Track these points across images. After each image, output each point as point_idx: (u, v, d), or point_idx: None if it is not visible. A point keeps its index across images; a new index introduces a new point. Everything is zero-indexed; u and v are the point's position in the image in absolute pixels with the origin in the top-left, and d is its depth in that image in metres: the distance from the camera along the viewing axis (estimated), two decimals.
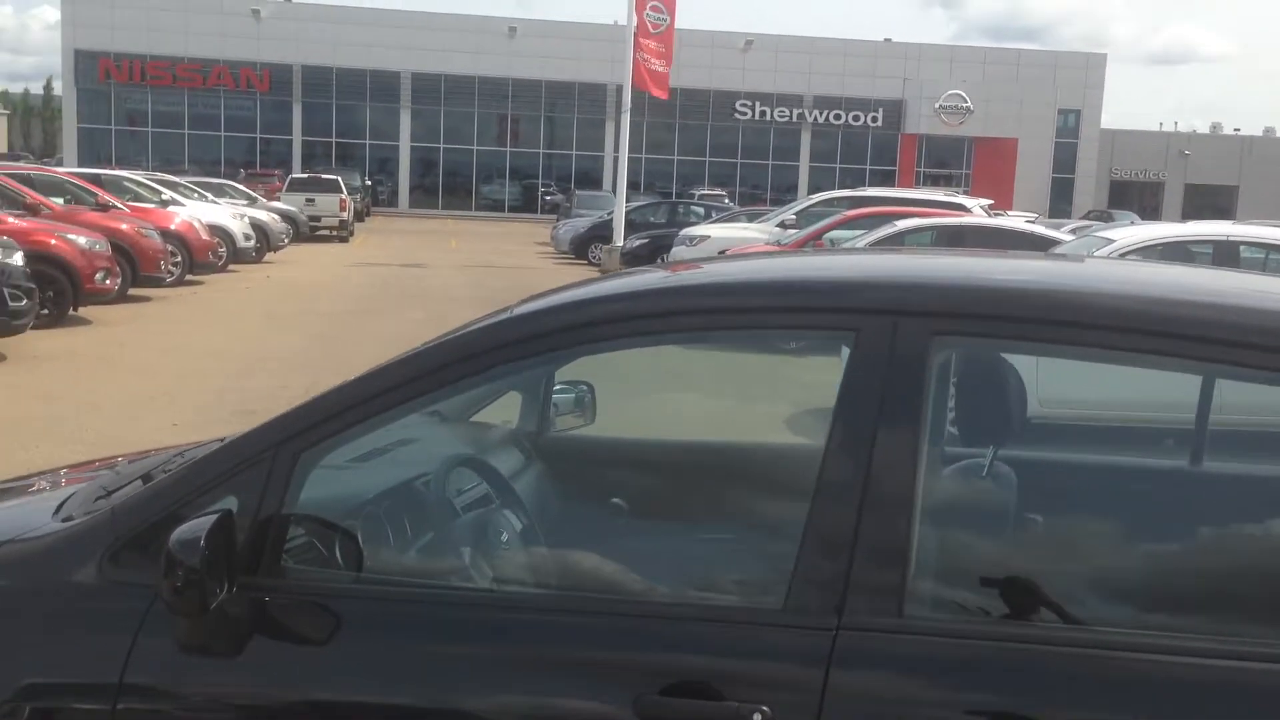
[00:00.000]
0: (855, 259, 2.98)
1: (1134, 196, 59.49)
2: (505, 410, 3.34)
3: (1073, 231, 16.01)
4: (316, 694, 2.13)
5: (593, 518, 2.87)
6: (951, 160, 55.58)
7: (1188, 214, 52.57)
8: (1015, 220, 19.14)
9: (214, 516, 2.06)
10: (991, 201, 21.39)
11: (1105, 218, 37.68)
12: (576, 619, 2.10)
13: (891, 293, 2.17)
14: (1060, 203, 53.81)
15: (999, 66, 56.24)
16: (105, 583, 2.21)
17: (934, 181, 51.24)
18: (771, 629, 1.97)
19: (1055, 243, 11.30)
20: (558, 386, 3.42)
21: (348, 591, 2.23)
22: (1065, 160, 56.29)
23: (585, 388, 3.47)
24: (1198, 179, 61.61)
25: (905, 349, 2.01)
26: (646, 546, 2.55)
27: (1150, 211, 53.41)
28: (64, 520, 2.40)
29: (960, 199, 20.90)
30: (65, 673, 2.19)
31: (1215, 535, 2.29)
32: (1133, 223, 20.18)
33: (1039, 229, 14.65)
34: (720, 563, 2.35)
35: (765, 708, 1.87)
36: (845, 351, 2.09)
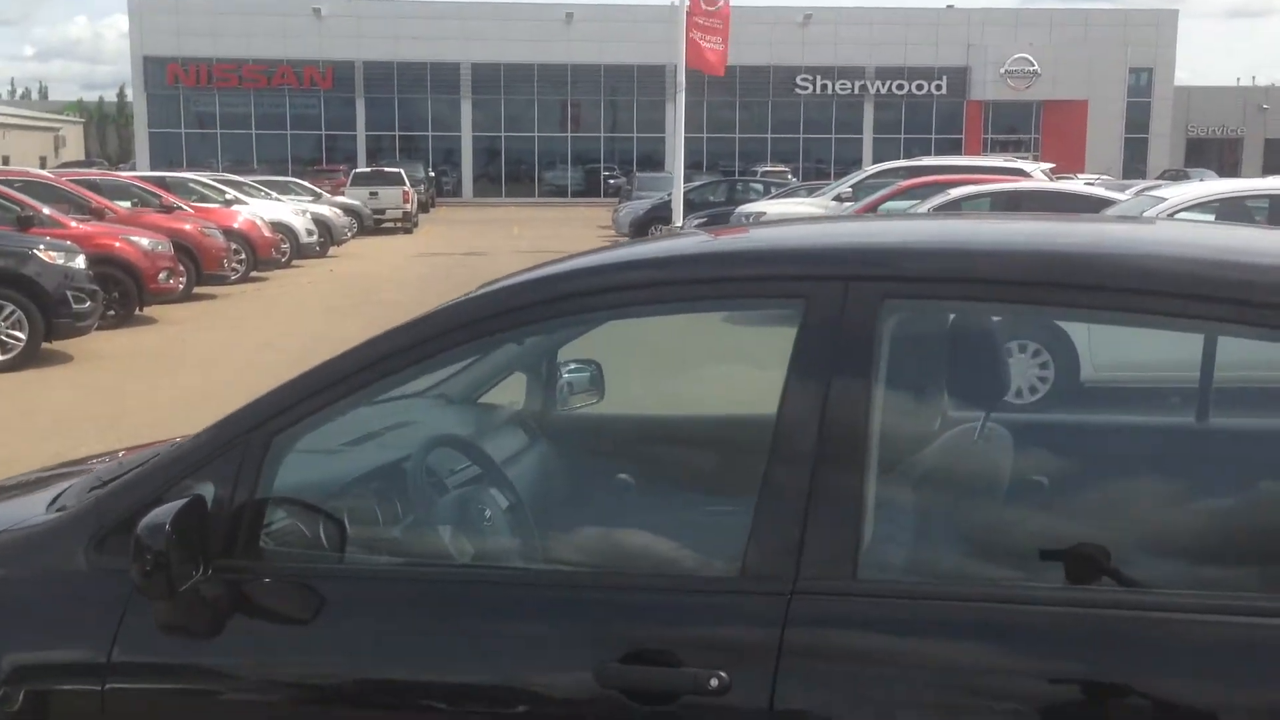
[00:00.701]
0: (809, 227, 2.97)
1: (1212, 154, 57.94)
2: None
3: (1137, 193, 15.64)
4: (296, 670, 2.18)
5: (576, 494, 2.90)
6: (1019, 125, 54.55)
7: (1269, 169, 51.00)
8: (1075, 184, 18.74)
9: (183, 501, 2.12)
10: (1053, 165, 20.97)
11: (1180, 176, 36.76)
12: (541, 592, 2.13)
13: (839, 258, 2.15)
14: (1135, 163, 52.56)
15: (1066, 28, 54.99)
16: (92, 569, 2.28)
17: (1001, 148, 50.35)
18: (727, 595, 1.98)
19: (1111, 203, 11.04)
20: (570, 365, 3.45)
21: (327, 572, 2.27)
22: (1139, 120, 54.93)
23: (595, 365, 3.50)
24: (1278, 133, 59.76)
25: (855, 313, 1.99)
26: (619, 520, 2.57)
27: (1229, 168, 51.98)
28: (58, 511, 2.48)
29: (1020, 164, 20.52)
30: (56, 655, 2.28)
31: (1188, 487, 2.24)
32: (1202, 180, 19.66)
33: (1098, 191, 14.34)
34: (681, 532, 2.36)
35: (722, 673, 1.88)
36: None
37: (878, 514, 1.97)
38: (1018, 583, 1.97)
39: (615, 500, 2.85)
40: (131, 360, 11.02)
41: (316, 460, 2.52)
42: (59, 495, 2.60)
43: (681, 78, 26.18)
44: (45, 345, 10.59)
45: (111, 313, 12.30)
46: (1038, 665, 1.81)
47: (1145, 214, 8.54)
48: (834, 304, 2.01)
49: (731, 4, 25.92)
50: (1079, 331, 6.80)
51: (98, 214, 14.49)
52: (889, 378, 2.05)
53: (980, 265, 2.07)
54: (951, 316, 2.42)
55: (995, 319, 2.59)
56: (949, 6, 55.91)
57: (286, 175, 34.25)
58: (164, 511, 2.08)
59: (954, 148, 51.29)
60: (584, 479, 3.03)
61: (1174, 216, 8.36)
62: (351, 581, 2.27)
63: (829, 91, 53.83)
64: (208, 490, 2.23)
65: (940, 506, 2.23)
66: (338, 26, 50.95)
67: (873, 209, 15.98)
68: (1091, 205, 12.19)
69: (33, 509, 2.54)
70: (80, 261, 10.92)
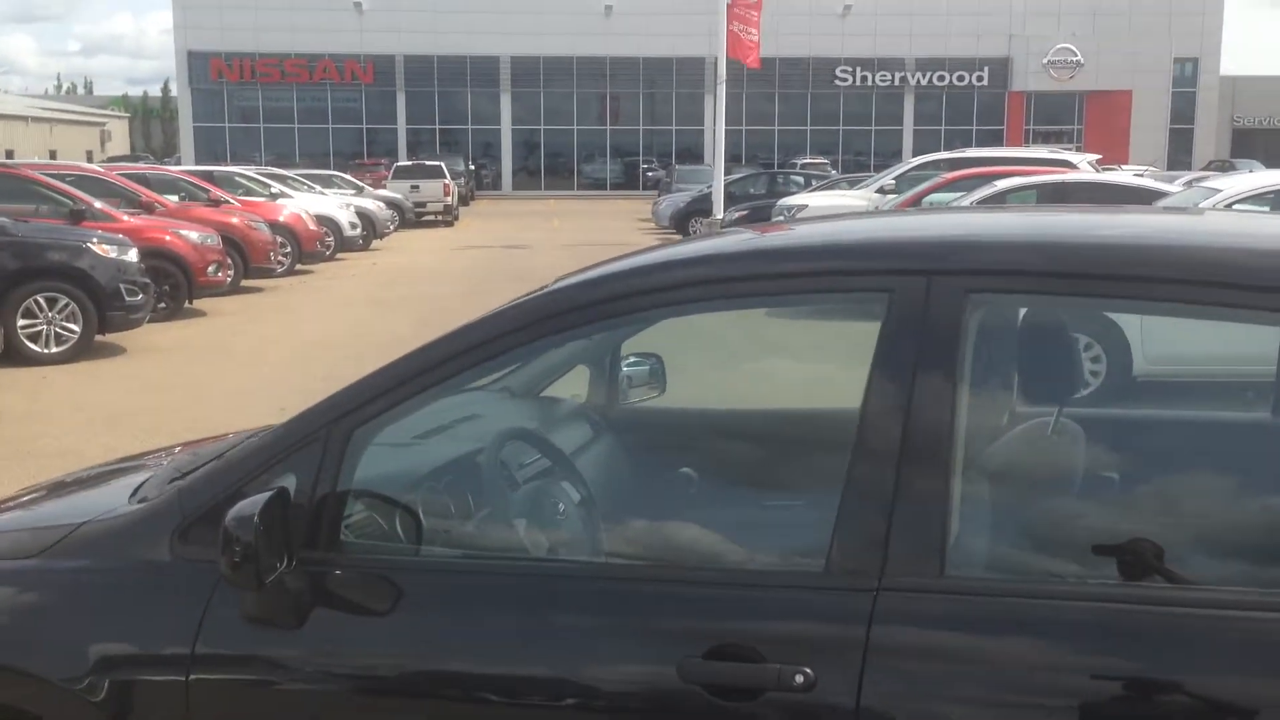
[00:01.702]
0: (890, 220, 2.95)
1: (1259, 144, 56.97)
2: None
3: (1186, 184, 15.44)
4: (377, 663, 2.20)
5: (647, 488, 2.90)
6: (1062, 116, 53.94)
7: None
8: (1123, 175, 18.53)
9: (269, 494, 2.14)
10: (1099, 156, 20.75)
11: (1226, 167, 36.22)
12: (622, 585, 2.13)
13: (924, 251, 2.14)
14: (1180, 154, 51.84)
15: (1110, 18, 54.27)
16: (176, 560, 2.31)
17: (1044, 139, 49.87)
18: (813, 591, 1.97)
19: (1163, 195, 10.92)
20: (630, 359, 3.45)
21: (406, 564, 2.29)
22: (1184, 110, 54.17)
23: (656, 359, 3.50)
24: None
25: (940, 307, 1.98)
26: (695, 514, 2.56)
27: (1276, 159, 51.02)
28: (140, 502, 2.51)
29: (1066, 155, 20.32)
30: (141, 645, 2.31)
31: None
32: (1251, 171, 19.37)
33: (1147, 182, 14.17)
34: (758, 527, 2.36)
35: (808, 669, 1.88)
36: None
37: (963, 509, 1.96)
38: (1102, 579, 1.95)
39: (687, 494, 2.85)
40: (183, 353, 11.15)
41: (391, 453, 2.54)
42: (140, 486, 2.64)
43: (722, 69, 26.13)
44: (98, 338, 10.74)
45: (162, 305, 12.46)
46: (1123, 663, 1.80)
47: (1200, 206, 8.43)
48: (918, 298, 2.00)
49: None
50: (1131, 324, 6.74)
51: (147, 208, 14.66)
52: (973, 372, 2.04)
53: (1068, 258, 2.06)
54: (1029, 309, 2.40)
55: (1069, 313, 2.56)
56: None
57: (329, 169, 34.50)
58: (251, 503, 2.10)
59: (995, 139, 50.78)
60: (654, 473, 3.04)
61: (1230, 208, 8.24)
62: (428, 574, 2.28)
63: (869, 83, 53.47)
64: (289, 482, 2.26)
65: (1023, 502, 2.22)
66: (378, 21, 51.17)
67: (917, 201, 15.88)
68: (1141, 197, 12.06)
69: (115, 500, 2.57)
70: (133, 255, 11.06)
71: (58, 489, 3.02)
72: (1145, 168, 26.80)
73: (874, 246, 2.27)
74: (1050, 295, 2.10)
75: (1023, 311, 2.34)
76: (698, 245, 2.55)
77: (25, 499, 2.97)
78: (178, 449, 3.23)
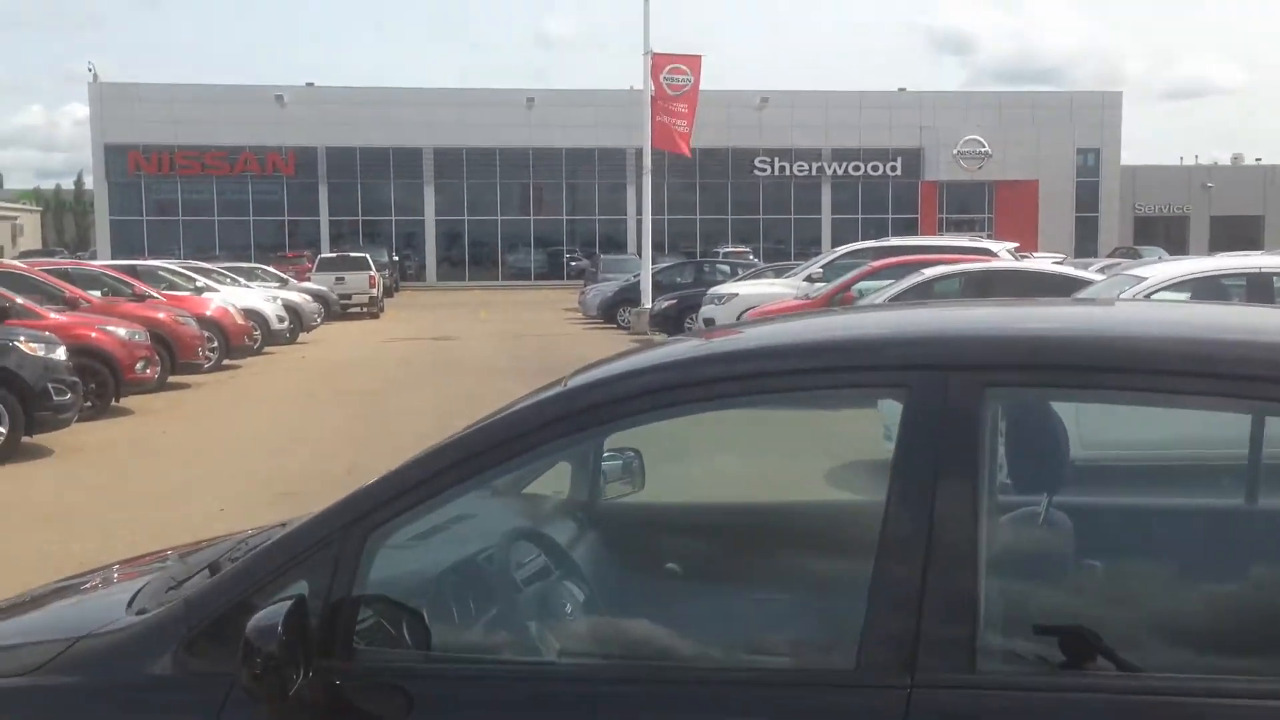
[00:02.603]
0: (898, 314, 3.02)
1: (1159, 231, 59.26)
2: (555, 480, 3.37)
3: (1101, 270, 16.00)
4: None
5: (653, 584, 2.89)
6: (973, 205, 55.67)
7: (1215, 247, 52.19)
8: (1043, 262, 19.13)
9: (289, 601, 2.10)
10: (1017, 244, 21.42)
11: (1132, 254, 37.55)
12: (646, 688, 2.12)
13: (942, 347, 2.20)
14: (1086, 241, 53.70)
15: (1015, 110, 56.47)
16: (182, 673, 2.25)
17: (957, 227, 51.34)
18: (845, 690, 1.98)
19: (1085, 283, 11.29)
20: (606, 454, 3.45)
21: (418, 671, 2.25)
22: (1088, 199, 56.28)
23: (633, 454, 3.50)
24: (1223, 211, 61.36)
25: (958, 402, 2.04)
26: (710, 612, 2.56)
27: (1177, 246, 53.11)
28: (138, 613, 2.45)
29: (985, 243, 20.93)
30: None
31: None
32: (1160, 259, 20.13)
33: (1068, 270, 14.65)
34: (785, 625, 2.37)
35: None
36: (884, 405, 2.12)
37: (990, 603, 2.00)
38: (1141, 671, 1.99)
39: (697, 591, 2.84)
40: (113, 452, 10.88)
41: (394, 555, 2.51)
42: (135, 596, 2.57)
43: (648, 160, 26.63)
44: (25, 439, 10.43)
45: (89, 404, 12.15)
46: None
47: (1124, 294, 8.73)
48: (937, 394, 2.05)
49: (698, 86, 26.47)
50: (1066, 410, 6.91)
51: (72, 304, 14.38)
52: (992, 466, 2.09)
53: (1085, 352, 2.13)
54: (1022, 399, 2.45)
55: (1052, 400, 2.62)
56: (901, 90, 57.24)
57: (249, 261, 34.20)
58: (273, 612, 2.06)
59: (911, 227, 52.17)
60: (655, 569, 3.03)
61: (1151, 297, 8.55)
62: (439, 681, 2.25)
63: (787, 172, 54.73)
64: (302, 588, 2.22)
65: (1037, 593, 2.25)
66: (300, 113, 51.25)
67: (845, 289, 16.21)
68: (1064, 285, 12.45)
69: (110, 611, 2.50)
70: (61, 353, 10.81)
71: (41, 599, 2.92)
72: (1059, 255, 27.68)
73: (890, 343, 2.33)
74: (1067, 388, 2.17)
75: (1021, 401, 2.39)
76: (714, 342, 2.59)
77: (6, 611, 2.87)
78: (168, 554, 3.15)
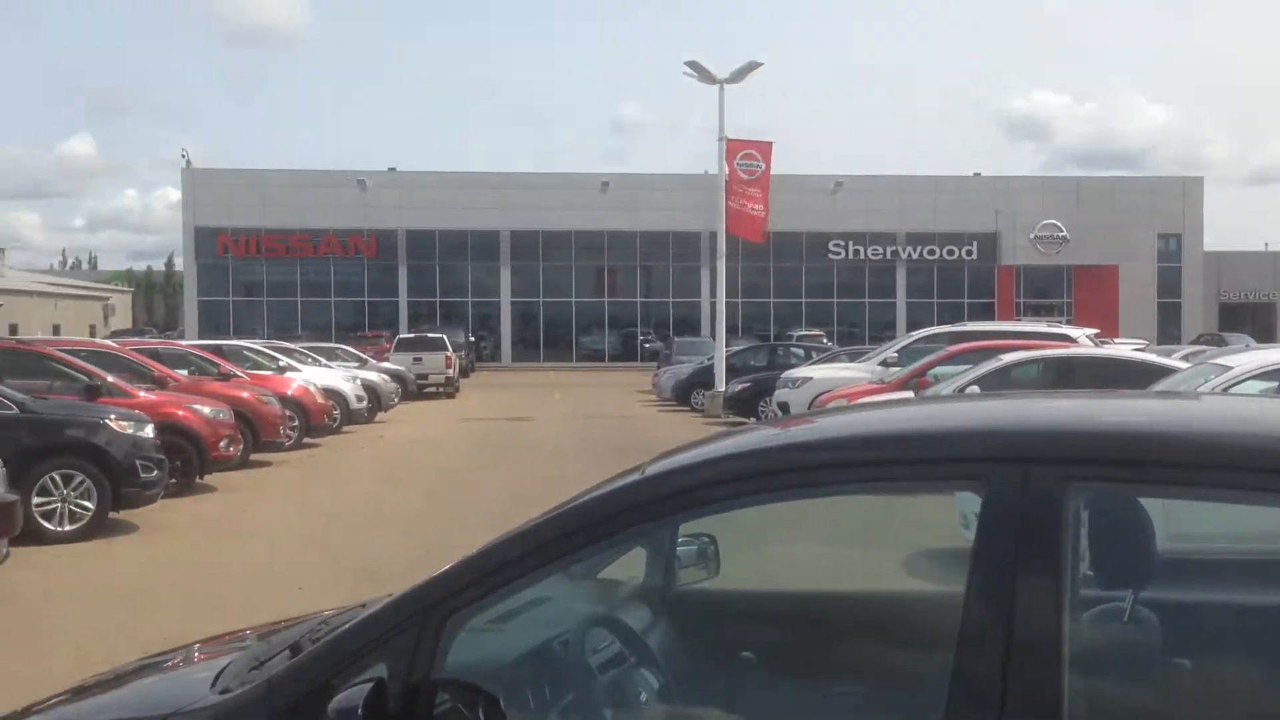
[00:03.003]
0: (978, 405, 3.01)
1: (1245, 318, 58.06)
2: (629, 565, 3.38)
3: (1185, 358, 15.69)
4: None
5: (726, 674, 2.88)
6: (1051, 289, 55.08)
7: None
8: (1124, 349, 18.83)
9: (369, 685, 2.14)
10: (1097, 330, 21.11)
11: (1217, 341, 36.80)
12: None
13: (1023, 441, 2.20)
14: (1169, 327, 52.73)
15: (1093, 194, 56.08)
16: None
17: (1034, 312, 50.75)
18: None
19: (1168, 371, 11.10)
20: (680, 539, 3.46)
21: None
22: (1170, 284, 55.38)
23: (708, 539, 3.50)
24: None
25: (1039, 496, 2.03)
26: (784, 703, 2.55)
27: (1264, 332, 51.93)
28: (221, 692, 2.50)
29: (1065, 329, 20.68)
30: None
31: None
32: (1247, 346, 19.69)
33: (1151, 357, 14.41)
34: (861, 718, 2.34)
35: None
36: (961, 494, 2.11)
37: (1073, 701, 1.97)
38: None
39: (773, 681, 2.83)
40: (196, 530, 11.09)
41: (471, 638, 2.54)
42: (219, 674, 2.62)
43: (722, 244, 26.84)
44: (111, 514, 10.68)
45: (174, 480, 12.42)
46: None
47: (1210, 383, 8.56)
48: (1015, 487, 2.05)
49: (770, 171, 26.74)
50: (1154, 503, 6.74)
51: (160, 382, 14.78)
52: (1074, 561, 2.07)
53: (1170, 448, 2.12)
54: (1105, 494, 2.43)
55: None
56: (976, 174, 57.18)
57: (330, 341, 34.91)
58: (354, 694, 2.11)
59: (987, 311, 51.71)
60: (720, 660, 3.01)
61: (1238, 386, 8.38)
62: None
63: (861, 256, 54.75)
64: (381, 671, 2.26)
65: (1126, 692, 2.21)
66: (382, 197, 52.65)
67: (921, 374, 16.08)
68: (1146, 372, 12.24)
69: (196, 690, 2.56)
70: (149, 431, 11.10)
71: (126, 677, 2.99)
72: (1141, 342, 27.22)
73: (969, 435, 2.33)
74: (1149, 484, 2.15)
75: (1118, 498, 2.37)
76: (791, 431, 2.61)
77: (94, 688, 2.94)
78: (247, 633, 3.21)
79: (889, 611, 2.97)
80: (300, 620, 3.23)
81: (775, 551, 4.14)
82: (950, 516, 2.91)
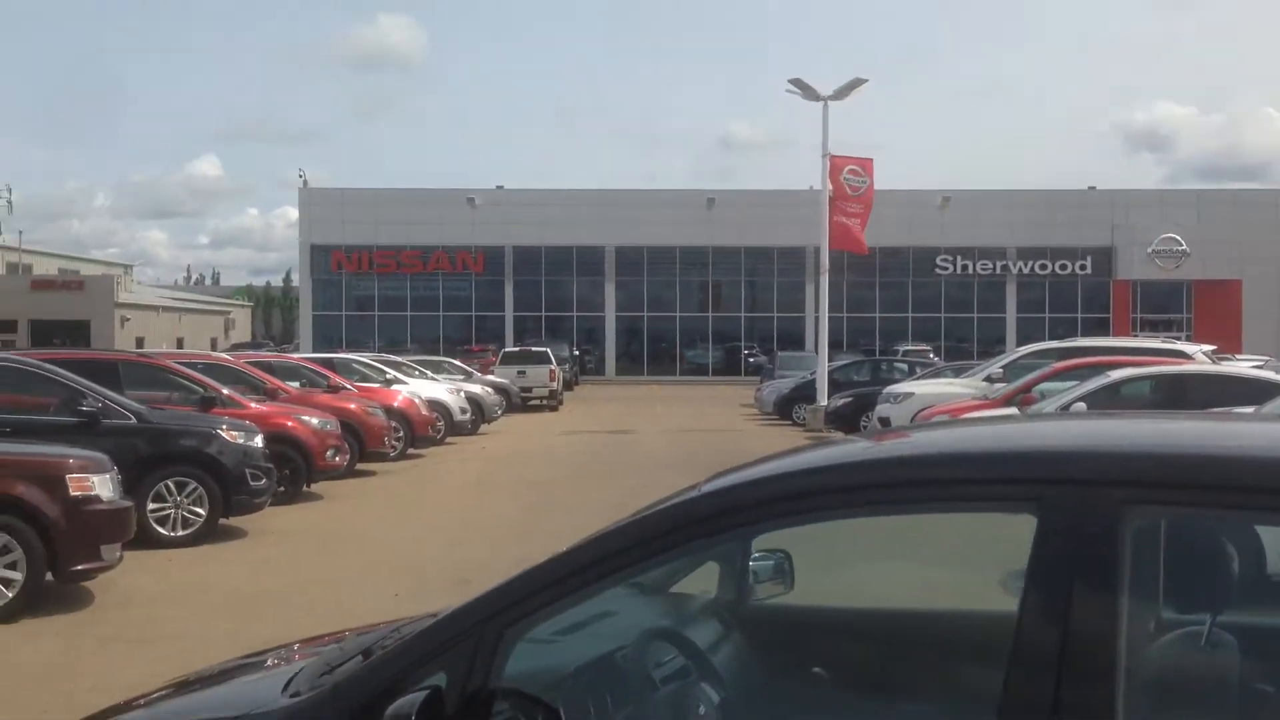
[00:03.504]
0: (1043, 426, 2.96)
1: None
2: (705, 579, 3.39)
3: None
4: None
5: (791, 690, 2.87)
6: (1170, 305, 53.40)
7: None
8: (1242, 365, 18.16)
9: (424, 693, 2.19)
10: (1215, 347, 20.40)
11: None
12: None
13: (1076, 463, 2.16)
14: None
15: (1215, 207, 54.22)
16: None
17: (1151, 327, 49.22)
18: None
19: None
20: (755, 554, 3.45)
21: None
22: None
23: (783, 555, 3.49)
24: None
25: (1094, 519, 1.99)
26: (846, 717, 2.53)
27: None
28: (292, 696, 2.58)
29: (1179, 345, 20.03)
30: None
31: None
32: None
33: (1269, 374, 13.88)
34: None
35: None
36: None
37: None
38: None
39: (822, 700, 2.82)
40: (301, 536, 11.40)
41: (532, 649, 2.57)
42: (291, 679, 2.70)
43: (825, 259, 26.67)
44: (221, 521, 11.05)
45: (282, 489, 12.79)
46: None
47: None
48: (1071, 510, 2.01)
49: (873, 186, 26.55)
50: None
51: (272, 394, 15.25)
52: (1131, 585, 2.03)
53: (1230, 472, 2.06)
54: (1185, 518, 2.37)
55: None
56: (1090, 189, 55.77)
57: (438, 354, 35.56)
58: (408, 703, 2.16)
59: (1102, 327, 50.35)
60: (791, 675, 3.01)
61: None
62: None
63: (969, 271, 53.82)
64: (440, 680, 2.30)
65: (1184, 716, 2.16)
66: (489, 214, 53.52)
67: (1026, 390, 15.74)
68: (1263, 389, 11.80)
69: (269, 694, 2.64)
70: (258, 441, 11.46)
71: (211, 679, 3.10)
72: (1264, 358, 26.21)
73: (1024, 457, 2.30)
74: (1207, 508, 2.10)
75: (1184, 522, 2.31)
76: (848, 449, 2.60)
77: (161, 694, 3.05)
78: (309, 643, 3.30)
79: (958, 630, 2.93)
80: (377, 627, 3.31)
81: (850, 568, 4.11)
82: (1029, 537, 2.86)
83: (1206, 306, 51.69)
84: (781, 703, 2.91)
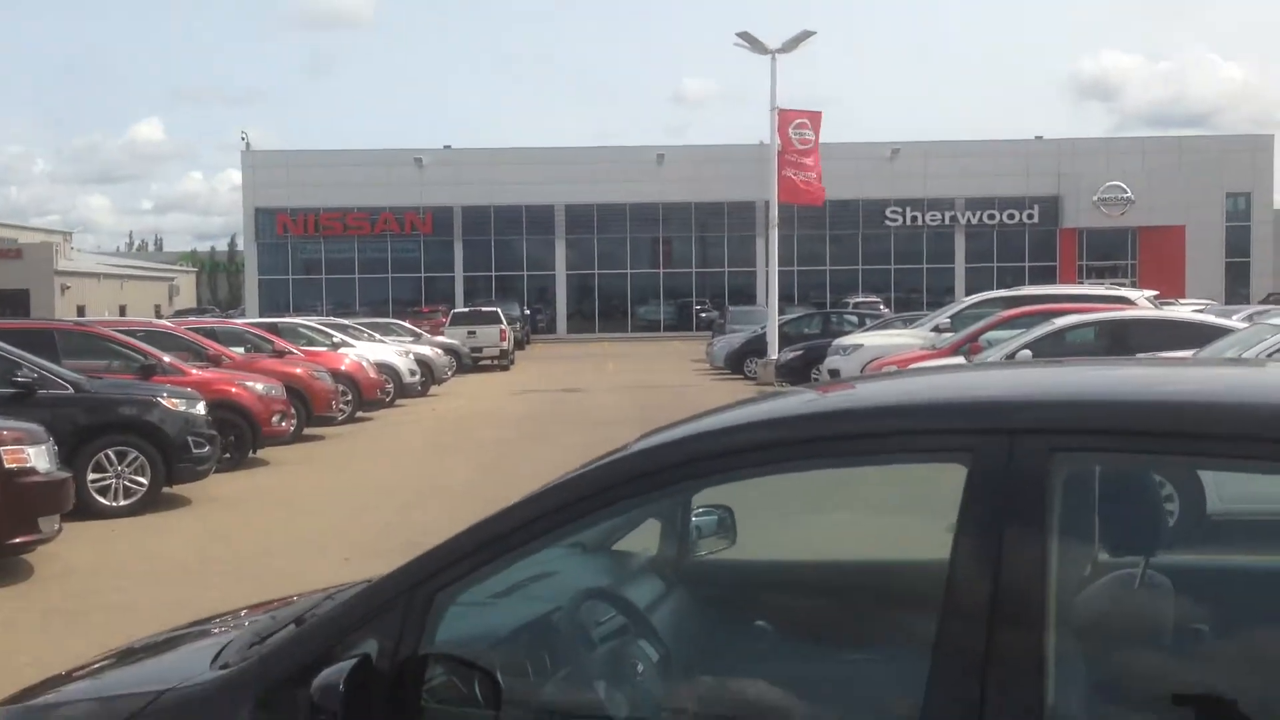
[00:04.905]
0: (974, 376, 2.93)
1: None
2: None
3: (1247, 319, 15.32)
4: None
5: (730, 644, 2.85)
6: (1115, 252, 54.05)
7: None
8: (1183, 310, 18.41)
9: (352, 661, 2.13)
10: (1156, 292, 20.66)
11: None
12: None
13: (1005, 412, 2.13)
14: (1238, 287, 51.52)
15: (1159, 155, 54.81)
16: None
17: (1098, 275, 49.88)
18: None
19: (1227, 332, 10.82)
20: (698, 510, 3.42)
21: None
22: (1239, 244, 54.09)
23: (725, 510, 3.47)
24: None
25: (1023, 467, 1.97)
26: (780, 672, 2.51)
27: None
28: (221, 667, 2.51)
29: (1123, 291, 20.26)
30: None
31: None
32: None
33: (1209, 318, 14.06)
34: (840, 687, 2.31)
35: None
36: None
37: (1058, 670, 1.91)
38: None
39: (765, 652, 2.80)
40: (247, 503, 11.26)
41: (467, 613, 2.52)
42: (221, 651, 2.63)
43: (774, 213, 26.68)
44: (165, 489, 10.88)
45: (227, 455, 12.62)
46: None
47: (1265, 343, 8.35)
48: (1000, 458, 1.98)
49: (820, 141, 26.52)
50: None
51: (215, 360, 15.01)
52: (1060, 531, 2.00)
53: (1154, 416, 2.04)
54: (1114, 463, 2.36)
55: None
56: (1037, 138, 56.13)
57: (388, 317, 35.24)
58: (336, 671, 2.10)
59: (1049, 275, 50.89)
60: (732, 628, 2.98)
61: None
62: None
63: (919, 223, 54.10)
64: (371, 647, 2.25)
65: (1117, 659, 2.15)
66: (437, 174, 52.96)
67: (973, 339, 15.86)
68: (1203, 333, 11.95)
69: (196, 666, 2.57)
70: (200, 408, 11.27)
71: (137, 653, 3.02)
72: (1205, 302, 26.61)
73: (954, 407, 2.27)
74: (1136, 454, 2.08)
75: (1113, 465, 2.30)
76: (780, 404, 2.56)
77: (101, 665, 2.97)
78: (256, 610, 3.23)
79: (903, 580, 2.92)
80: (310, 595, 3.24)
81: (794, 522, 4.09)
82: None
83: (1151, 253, 52.38)
84: (724, 657, 2.89)
